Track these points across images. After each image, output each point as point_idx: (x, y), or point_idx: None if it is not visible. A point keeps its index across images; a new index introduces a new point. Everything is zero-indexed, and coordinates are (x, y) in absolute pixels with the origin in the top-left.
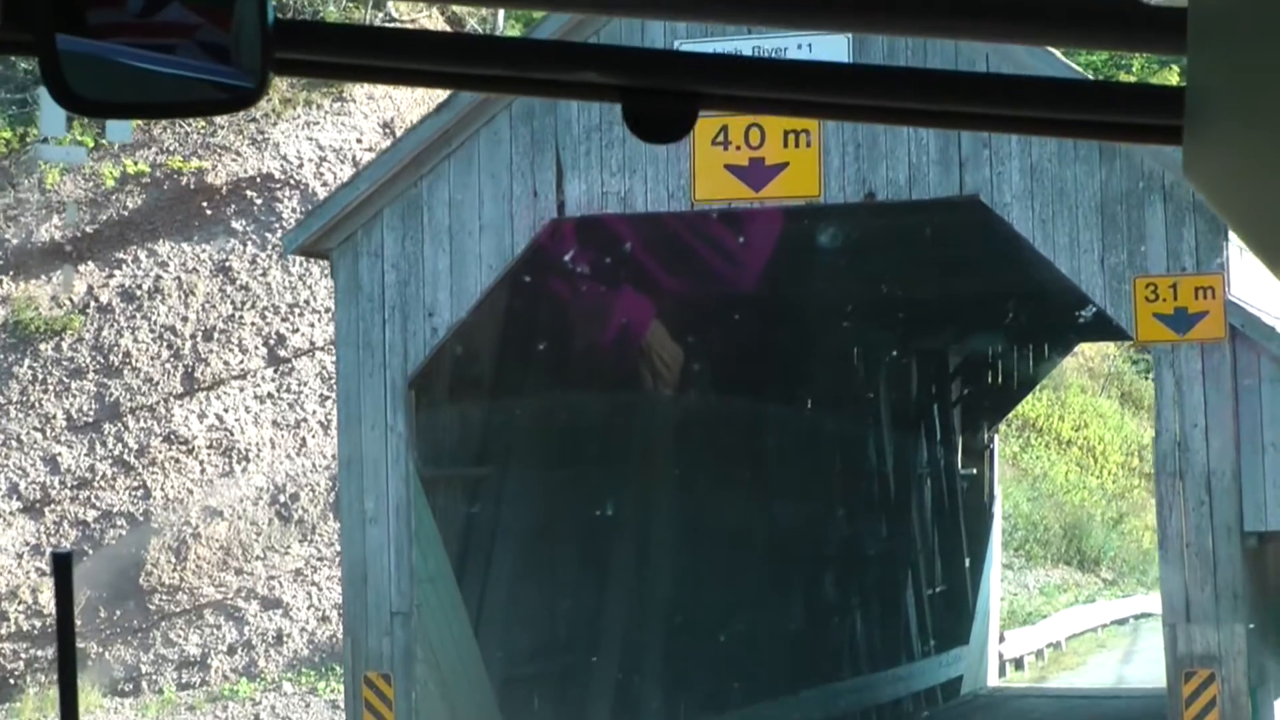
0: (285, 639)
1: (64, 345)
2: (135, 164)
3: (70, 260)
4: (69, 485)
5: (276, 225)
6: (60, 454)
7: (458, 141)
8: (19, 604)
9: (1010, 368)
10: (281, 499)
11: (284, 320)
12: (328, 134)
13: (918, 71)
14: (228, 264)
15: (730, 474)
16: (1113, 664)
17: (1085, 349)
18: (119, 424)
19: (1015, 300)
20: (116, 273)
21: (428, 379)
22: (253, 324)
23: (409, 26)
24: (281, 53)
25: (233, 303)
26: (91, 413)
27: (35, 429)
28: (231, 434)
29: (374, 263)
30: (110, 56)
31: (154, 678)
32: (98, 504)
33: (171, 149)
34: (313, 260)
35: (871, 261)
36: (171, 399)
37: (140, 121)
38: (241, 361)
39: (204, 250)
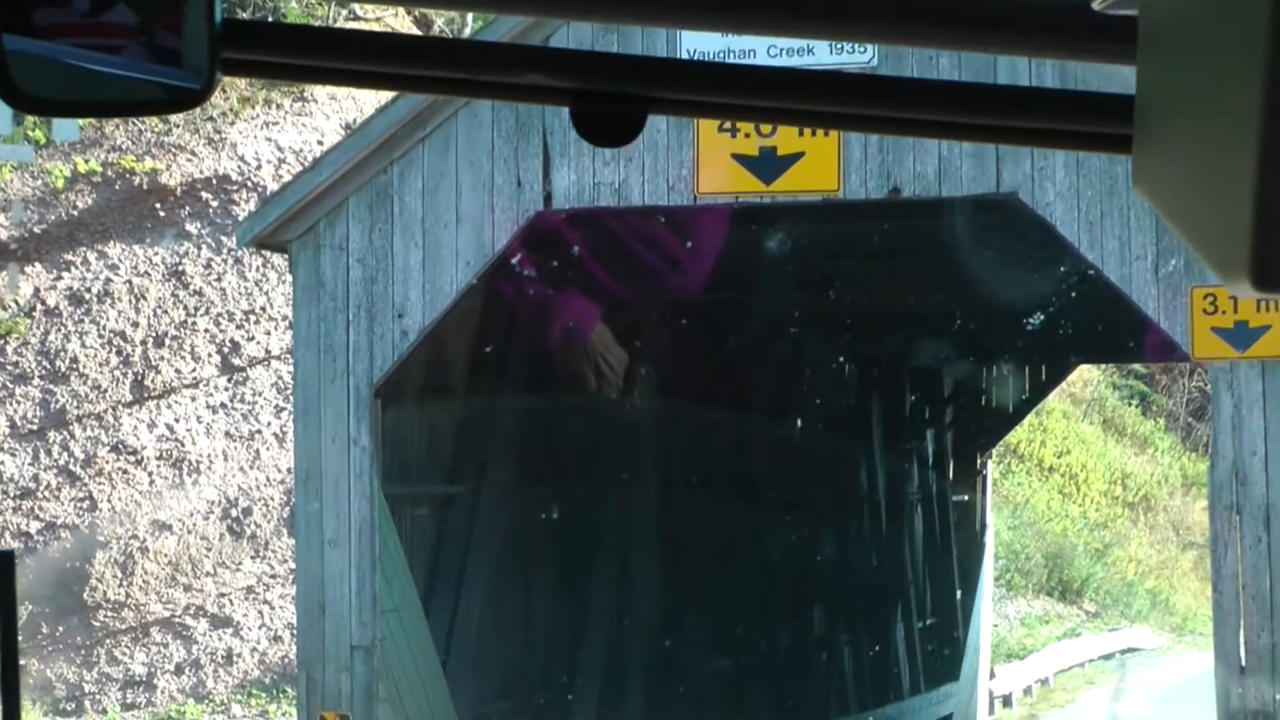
0: (235, 659)
1: (8, 349)
2: (86, 162)
3: (16, 261)
4: (11, 495)
5: (232, 229)
6: (3, 462)
7: (433, 124)
8: None
9: (1013, 387)
10: (233, 513)
11: (239, 327)
12: (288, 135)
13: (867, 78)
14: (181, 268)
15: (725, 500)
16: (1103, 702)
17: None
18: (65, 432)
19: (1047, 312)
20: (65, 275)
21: (396, 386)
22: (206, 331)
23: (359, 27)
24: (230, 53)
25: (185, 308)
26: (36, 420)
27: None
28: (182, 445)
29: (338, 257)
30: (56, 56)
31: (97, 697)
32: (41, 515)
33: (124, 148)
34: (270, 265)
35: (879, 266)
36: (120, 407)
37: (89, 120)
38: (194, 370)
39: (156, 253)
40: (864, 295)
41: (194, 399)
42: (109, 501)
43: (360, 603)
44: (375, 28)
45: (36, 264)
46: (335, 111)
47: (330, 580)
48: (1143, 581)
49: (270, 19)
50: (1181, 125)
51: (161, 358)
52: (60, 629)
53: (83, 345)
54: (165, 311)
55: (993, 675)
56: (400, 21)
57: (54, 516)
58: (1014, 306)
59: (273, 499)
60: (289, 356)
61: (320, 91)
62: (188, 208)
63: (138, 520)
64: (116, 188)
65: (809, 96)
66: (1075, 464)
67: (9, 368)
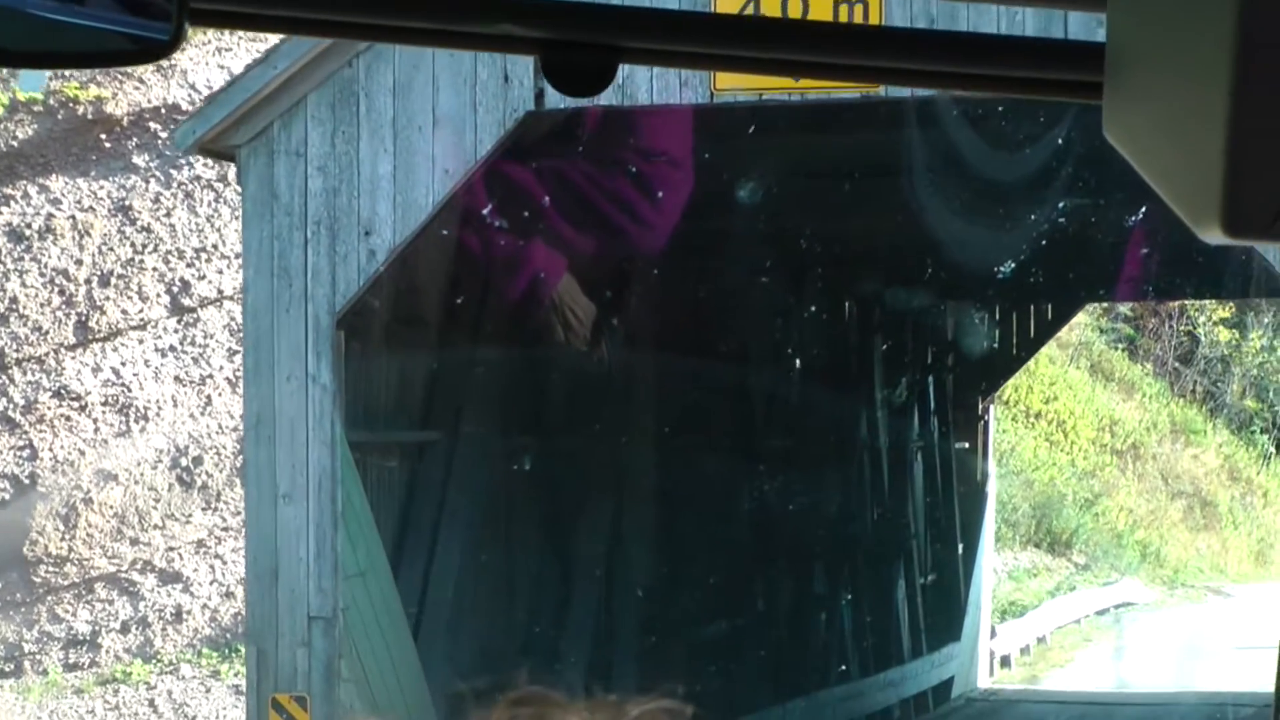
0: (185, 616)
1: None
2: (26, 91)
3: None
4: None
5: (182, 161)
6: None
7: None
8: None
9: (1024, 323)
10: (183, 462)
11: (189, 266)
12: (241, 60)
13: (837, 26)
14: (127, 203)
15: (718, 455)
16: (1104, 660)
17: None
18: (3, 377)
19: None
20: (4, 210)
21: (362, 317)
22: (154, 269)
23: None
24: (197, 3)
25: (133, 245)
26: None
27: None
28: (129, 390)
29: (294, 165)
30: (19, 6)
31: (38, 658)
32: None
33: (67, 74)
34: (222, 200)
35: (879, 192)
36: (63, 350)
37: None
38: (141, 310)
39: (101, 187)
40: (860, 225)
41: (141, 341)
42: (51, 450)
43: (319, 567)
44: None
45: None
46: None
47: (285, 541)
48: (1133, 532)
49: None
50: (1151, 72)
51: (107, 298)
52: None
53: (23, 284)
54: (111, 249)
55: (993, 634)
56: None
57: None
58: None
59: (225, 447)
60: (243, 297)
61: None
62: (135, 139)
63: (81, 470)
64: (59, 117)
65: (778, 45)
66: (1063, 410)
67: None
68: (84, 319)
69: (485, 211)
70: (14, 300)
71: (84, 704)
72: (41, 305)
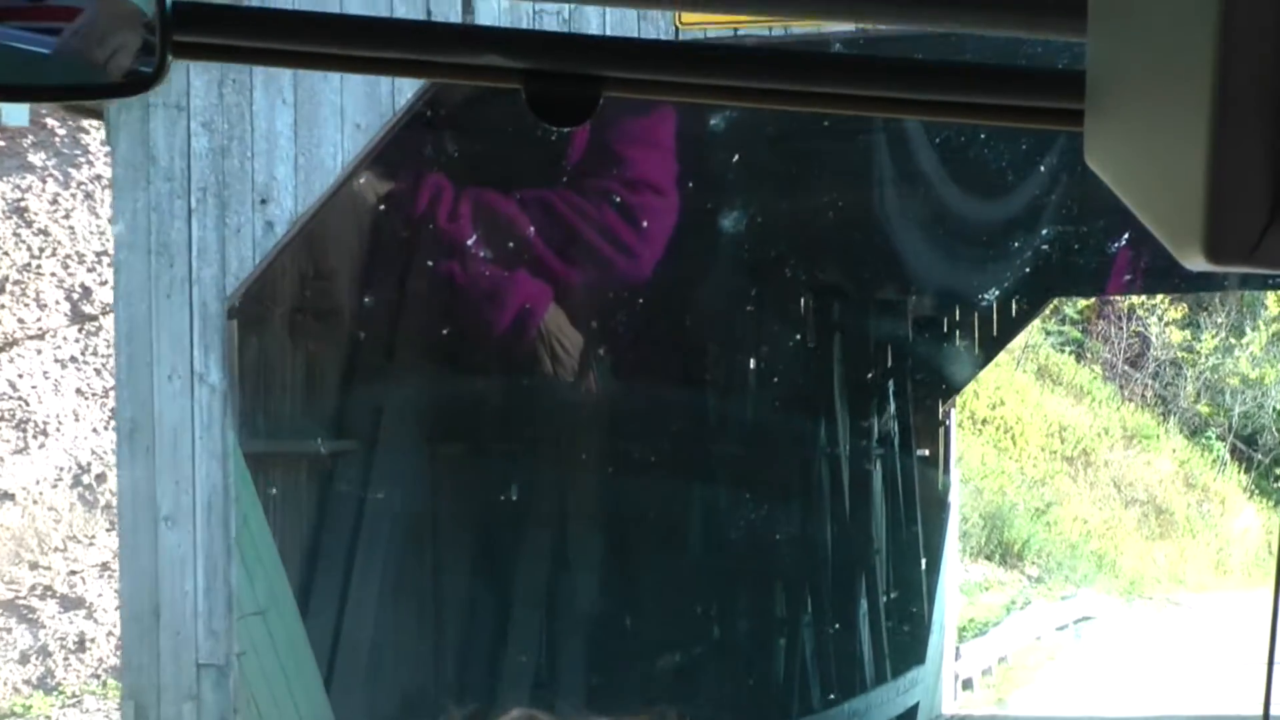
0: (88, 645)
1: None
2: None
3: None
4: None
5: (82, 160)
6: None
7: None
8: None
9: (987, 320)
10: (85, 480)
11: (90, 271)
12: None
13: (819, 55)
14: (23, 204)
15: (668, 466)
16: (1068, 678)
17: None
18: None
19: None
20: None
21: (259, 303)
22: (53, 275)
23: (314, 10)
24: (180, 36)
25: (29, 250)
26: None
27: None
28: (27, 403)
29: (174, 121)
30: (4, 41)
31: None
32: None
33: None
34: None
35: (852, 184)
36: None
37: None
38: (39, 319)
39: None
40: (819, 209)
41: (40, 351)
42: None
43: (210, 604)
44: None
45: None
46: None
47: (167, 574)
48: (1086, 542)
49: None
50: (1132, 99)
51: (1, 305)
52: None
53: None
54: (6, 253)
55: (957, 655)
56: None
57: None
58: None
59: None
60: None
61: None
62: (31, 137)
63: None
64: None
65: (760, 74)
66: (1010, 416)
67: None
68: None
69: (406, 173)
70: None
71: None
72: None
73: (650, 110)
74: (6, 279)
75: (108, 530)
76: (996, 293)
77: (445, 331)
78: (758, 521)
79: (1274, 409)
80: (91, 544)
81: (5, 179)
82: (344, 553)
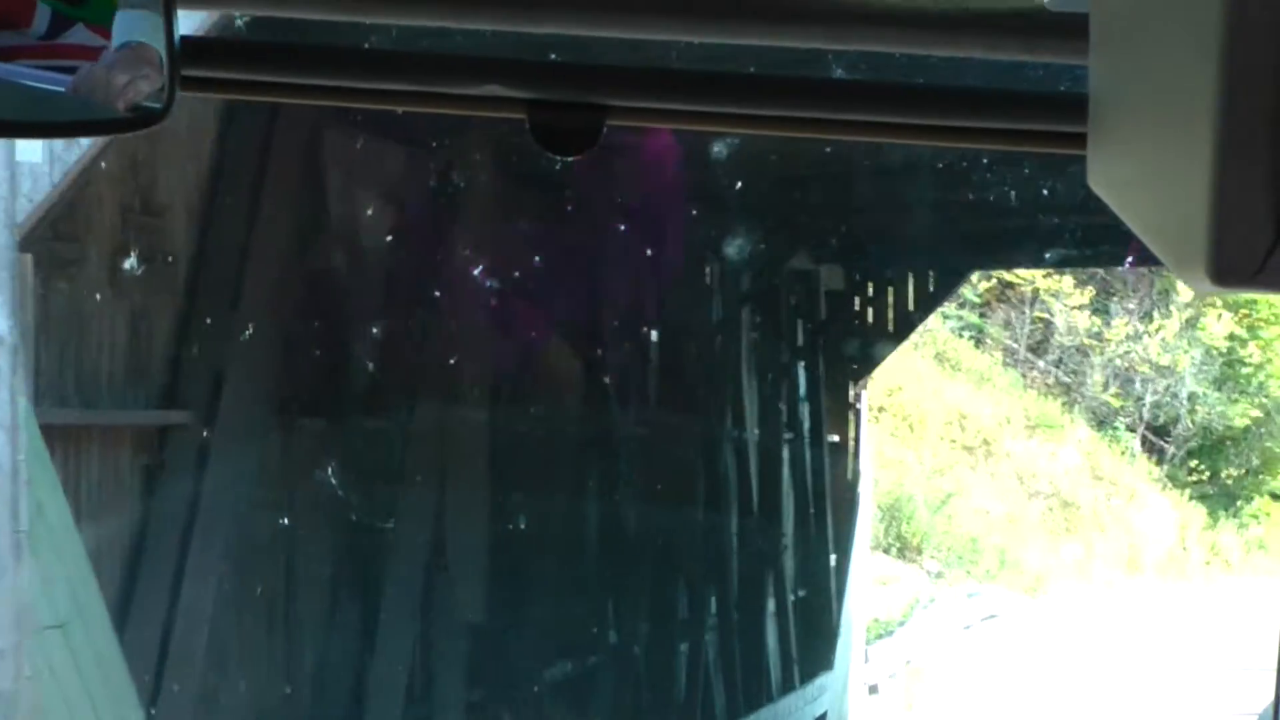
0: None
1: None
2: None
3: None
4: None
5: None
6: None
7: None
8: None
9: (902, 295)
10: None
11: None
12: None
13: (823, 81)
14: None
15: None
16: (978, 681)
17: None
18: None
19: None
20: None
21: (65, 237)
22: None
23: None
24: (188, 70)
25: None
26: None
27: None
28: None
29: None
30: (14, 78)
31: None
32: None
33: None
34: None
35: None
36: None
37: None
38: None
39: None
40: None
41: None
42: None
43: None
44: None
45: None
46: None
47: None
48: (988, 536)
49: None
50: (1136, 121)
51: None
52: None
53: None
54: None
55: (867, 660)
56: None
57: None
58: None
59: None
60: None
61: None
62: None
63: None
64: None
65: (763, 101)
66: (908, 403)
67: None
68: None
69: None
70: None
71: None
72: None
73: None
74: None
75: None
76: (912, 266)
77: (300, 274)
78: (655, 514)
79: (1188, 398)
80: None
81: None
82: (172, 550)
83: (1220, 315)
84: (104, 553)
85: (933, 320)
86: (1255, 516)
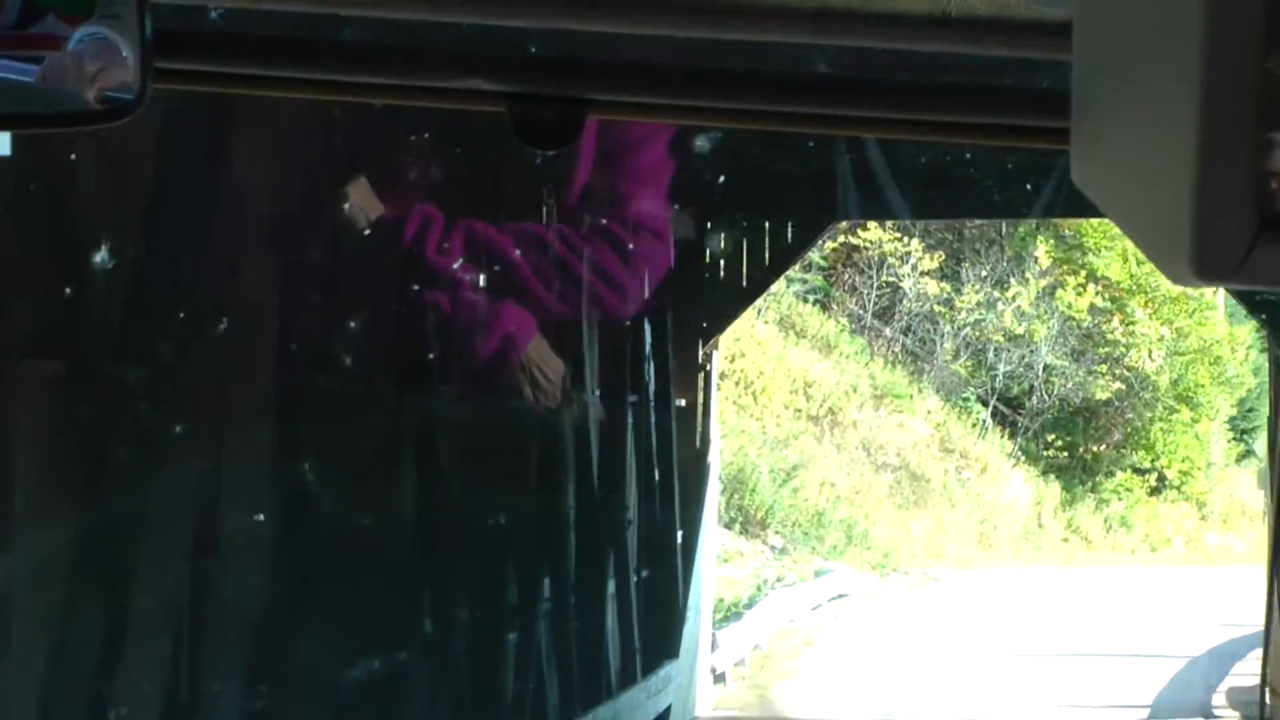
0: None
1: None
2: None
3: None
4: None
5: None
6: None
7: None
8: None
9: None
10: None
11: None
12: None
13: (807, 76)
14: None
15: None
16: (832, 667)
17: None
18: None
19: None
20: None
21: None
22: None
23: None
24: (162, 63)
25: None
26: None
27: None
28: None
29: None
30: None
31: None
32: None
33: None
34: None
35: None
36: None
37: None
38: None
39: None
40: None
41: None
42: None
43: None
44: None
45: None
46: None
47: None
48: (835, 510)
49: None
50: (1119, 117)
51: None
52: None
53: None
54: None
55: (715, 645)
56: None
57: None
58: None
59: None
60: None
61: None
62: None
63: None
64: None
65: (745, 95)
66: (751, 370)
67: None
68: None
69: None
70: None
71: None
72: None
73: None
74: None
75: None
76: (769, 215)
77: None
78: (481, 487)
79: (1042, 368)
80: None
81: None
82: None
83: (1081, 285)
84: None
85: (778, 284)
86: (1116, 492)
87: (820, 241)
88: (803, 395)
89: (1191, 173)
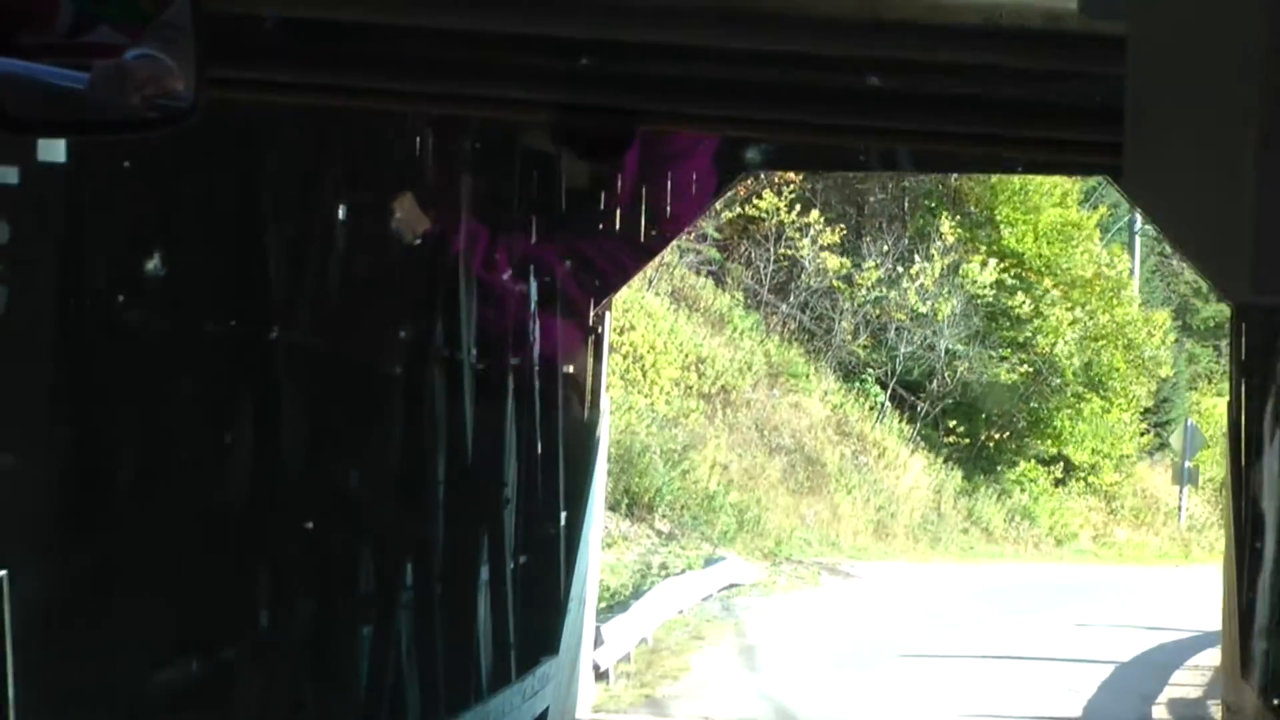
0: None
1: None
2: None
3: None
4: None
5: None
6: None
7: None
8: None
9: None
10: None
11: None
12: None
13: (860, 89)
14: None
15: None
16: (727, 666)
17: None
18: None
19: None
20: None
21: None
22: None
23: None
24: (216, 71)
25: None
26: None
27: None
28: None
29: None
30: (42, 77)
31: None
32: None
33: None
34: None
35: None
36: None
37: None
38: None
39: None
40: None
41: None
42: None
43: None
44: None
45: None
46: None
47: None
48: (726, 493)
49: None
50: (1171, 133)
51: None
52: None
53: None
54: None
55: (600, 640)
56: None
57: None
58: None
59: None
60: None
61: None
62: None
63: None
64: None
65: (795, 107)
66: (641, 343)
67: None
68: None
69: None
70: None
71: None
72: None
73: None
74: None
75: None
76: (671, 163)
77: None
78: (330, 458)
79: (944, 350)
80: None
81: None
82: None
83: (985, 262)
84: None
85: (670, 254)
86: (1019, 483)
87: (726, 193)
88: (694, 371)
89: (1252, 192)
